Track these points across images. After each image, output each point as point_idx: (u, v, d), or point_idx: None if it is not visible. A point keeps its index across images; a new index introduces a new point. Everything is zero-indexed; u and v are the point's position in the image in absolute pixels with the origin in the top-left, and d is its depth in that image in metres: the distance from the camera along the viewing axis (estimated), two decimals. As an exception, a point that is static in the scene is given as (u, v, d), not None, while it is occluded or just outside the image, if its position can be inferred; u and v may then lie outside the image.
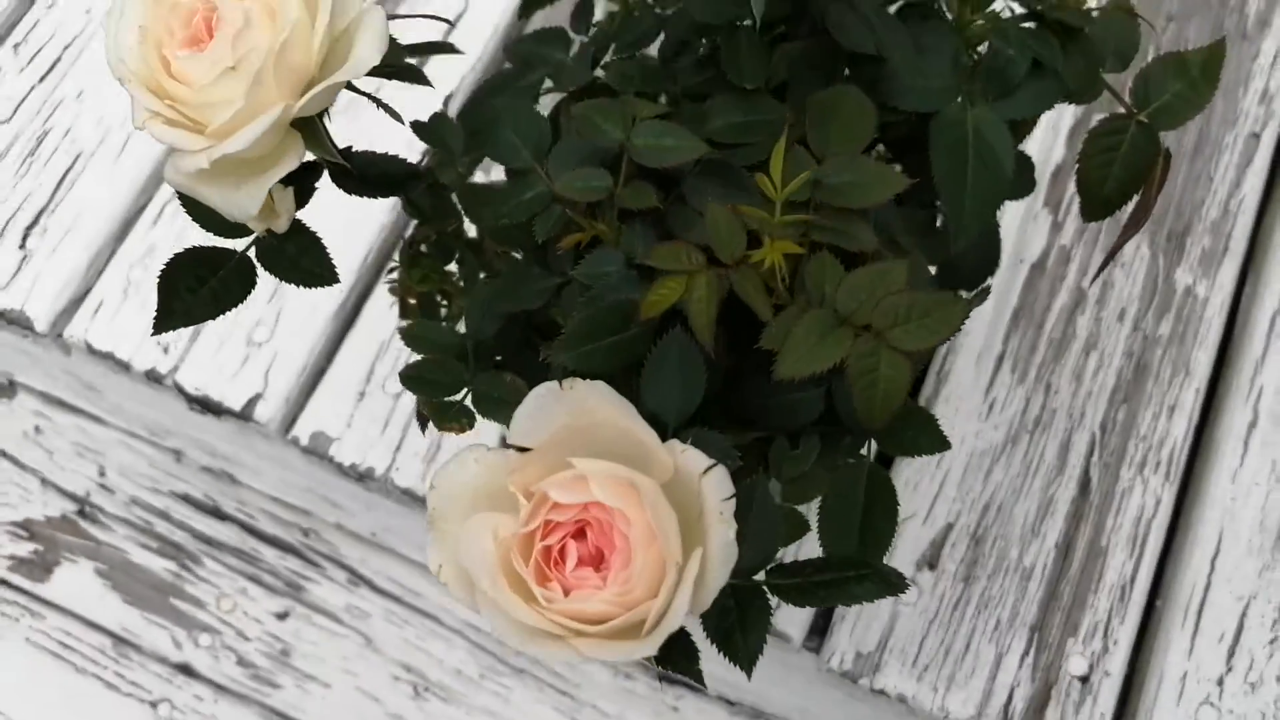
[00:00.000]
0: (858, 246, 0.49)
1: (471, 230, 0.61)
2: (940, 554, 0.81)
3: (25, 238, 0.90)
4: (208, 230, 0.51)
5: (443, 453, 0.83)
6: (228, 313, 0.50)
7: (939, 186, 0.54)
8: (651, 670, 0.82)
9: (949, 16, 0.60)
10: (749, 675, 0.45)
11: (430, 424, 0.54)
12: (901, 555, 0.80)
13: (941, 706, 0.77)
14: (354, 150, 0.51)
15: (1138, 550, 0.80)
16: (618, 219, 0.50)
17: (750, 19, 0.52)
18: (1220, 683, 0.77)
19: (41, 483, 0.87)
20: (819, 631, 0.79)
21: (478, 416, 0.53)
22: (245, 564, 0.84)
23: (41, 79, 0.96)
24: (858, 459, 0.55)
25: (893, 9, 0.59)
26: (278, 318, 0.87)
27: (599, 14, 0.61)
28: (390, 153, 0.52)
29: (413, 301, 0.62)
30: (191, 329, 0.86)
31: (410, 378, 0.54)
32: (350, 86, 0.47)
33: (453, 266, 0.62)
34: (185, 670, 0.81)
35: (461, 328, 0.62)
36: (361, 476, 0.83)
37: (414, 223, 0.61)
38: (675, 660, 0.44)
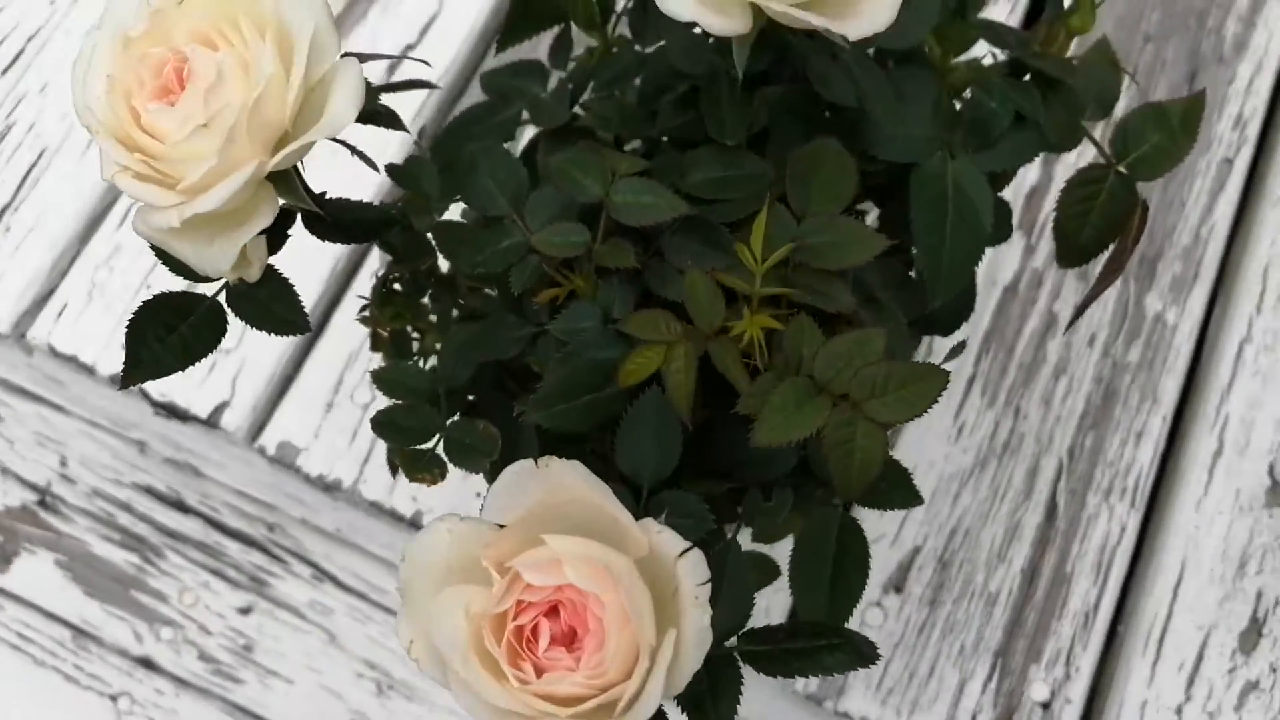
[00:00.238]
0: (835, 308, 0.49)
1: (445, 263, 0.60)
2: (907, 577, 0.81)
3: (-13, 237, 0.89)
4: (177, 275, 0.50)
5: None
6: (197, 363, 0.49)
7: (917, 241, 0.54)
8: None
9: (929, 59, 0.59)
10: (720, 749, 0.45)
11: (400, 472, 0.54)
12: (869, 578, 0.80)
13: (905, 731, 0.77)
14: (327, 197, 0.50)
15: (1102, 577, 0.81)
16: (595, 274, 0.50)
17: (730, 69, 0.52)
18: (1179, 712, 0.77)
19: (2, 472, 0.86)
20: (785, 654, 0.79)
21: (449, 466, 0.53)
22: (208, 558, 0.83)
23: (3, 72, 0.94)
24: (829, 505, 0.55)
25: (871, 50, 0.59)
26: (245, 325, 0.85)
27: (578, 48, 0.60)
28: (363, 199, 0.51)
29: (385, 333, 0.61)
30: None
31: (381, 424, 0.53)
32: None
33: (426, 299, 0.61)
34: (146, 664, 0.81)
35: (434, 361, 0.62)
36: (329, 487, 0.83)
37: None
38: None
